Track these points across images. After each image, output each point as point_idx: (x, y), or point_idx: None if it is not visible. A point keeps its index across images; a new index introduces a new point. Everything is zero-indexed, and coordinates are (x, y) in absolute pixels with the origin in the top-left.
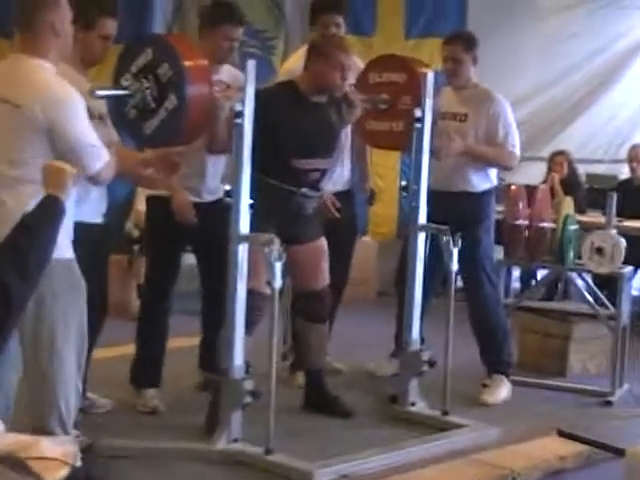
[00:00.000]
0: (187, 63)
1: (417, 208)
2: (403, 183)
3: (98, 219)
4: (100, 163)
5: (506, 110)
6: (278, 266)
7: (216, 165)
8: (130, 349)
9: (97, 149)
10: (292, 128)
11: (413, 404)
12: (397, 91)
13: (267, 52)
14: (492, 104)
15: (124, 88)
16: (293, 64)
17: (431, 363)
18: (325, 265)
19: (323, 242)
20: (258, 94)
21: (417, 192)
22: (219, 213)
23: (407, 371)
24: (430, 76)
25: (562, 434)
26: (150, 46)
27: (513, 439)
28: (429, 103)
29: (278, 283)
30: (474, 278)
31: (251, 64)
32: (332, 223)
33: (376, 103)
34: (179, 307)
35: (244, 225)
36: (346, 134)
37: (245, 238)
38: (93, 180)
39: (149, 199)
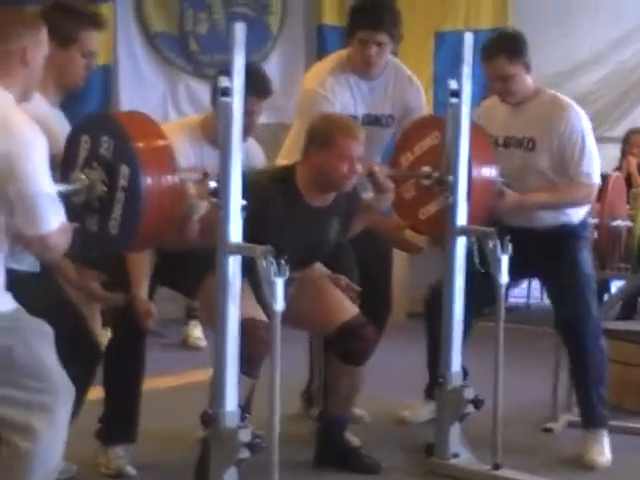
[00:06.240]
0: (128, 124)
1: (455, 205)
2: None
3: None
4: (56, 221)
5: (582, 125)
6: (280, 283)
7: None
8: (97, 393)
9: (56, 204)
10: (280, 240)
11: (455, 456)
12: (437, 154)
13: (261, 12)
14: (563, 117)
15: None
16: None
17: (477, 403)
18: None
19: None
20: (252, 187)
21: (455, 184)
22: None
23: (446, 414)
24: (468, 36)
25: None
26: (85, 133)
27: None
28: (467, 71)
29: (280, 305)
30: (574, 319)
31: (239, 27)
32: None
33: (417, 177)
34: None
35: (235, 232)
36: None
37: (237, 248)
38: (38, 244)
39: None
